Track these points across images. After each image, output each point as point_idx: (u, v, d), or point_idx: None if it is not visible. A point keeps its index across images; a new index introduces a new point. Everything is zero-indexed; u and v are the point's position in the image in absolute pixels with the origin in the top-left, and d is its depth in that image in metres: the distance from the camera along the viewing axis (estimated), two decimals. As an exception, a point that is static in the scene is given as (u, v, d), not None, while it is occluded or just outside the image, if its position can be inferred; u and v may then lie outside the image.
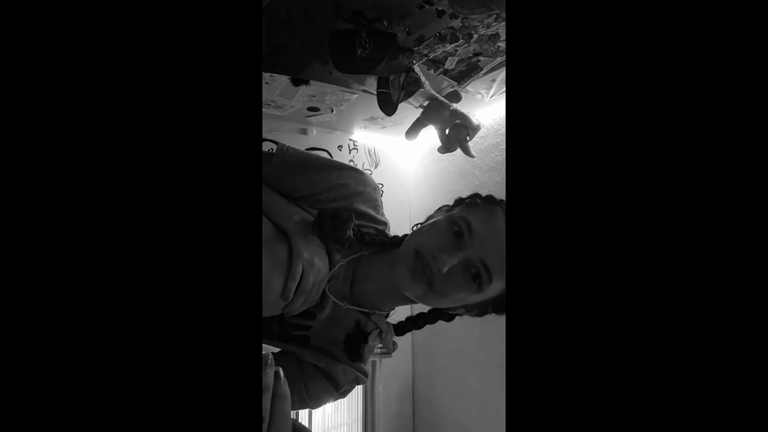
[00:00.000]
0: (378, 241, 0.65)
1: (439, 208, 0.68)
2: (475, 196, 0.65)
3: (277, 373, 0.36)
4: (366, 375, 0.67)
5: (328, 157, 0.71)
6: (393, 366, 2.40)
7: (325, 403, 0.67)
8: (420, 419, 2.45)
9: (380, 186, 2.49)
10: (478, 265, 0.56)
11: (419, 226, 0.65)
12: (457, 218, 0.59)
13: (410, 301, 0.64)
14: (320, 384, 0.65)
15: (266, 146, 0.67)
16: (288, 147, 0.68)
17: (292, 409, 0.59)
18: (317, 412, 2.28)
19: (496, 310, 0.63)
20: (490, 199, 0.63)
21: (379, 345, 0.64)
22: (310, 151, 0.70)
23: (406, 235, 0.65)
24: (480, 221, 0.58)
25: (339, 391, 0.66)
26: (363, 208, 0.68)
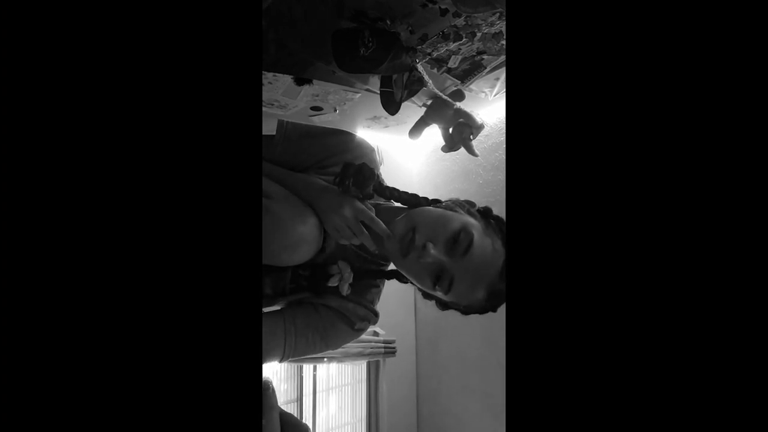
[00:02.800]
0: (396, 196, 0.70)
1: (464, 203, 0.70)
2: (499, 221, 0.67)
3: (265, 384, 0.37)
4: (376, 315, 0.72)
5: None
6: (397, 366, 2.40)
7: (343, 343, 0.72)
8: (424, 419, 2.45)
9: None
10: (446, 278, 0.61)
11: (439, 204, 0.69)
12: (468, 232, 0.61)
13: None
14: (336, 323, 0.70)
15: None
16: (287, 122, 0.73)
17: (317, 353, 0.69)
18: (321, 412, 2.29)
19: (462, 312, 0.67)
20: (486, 215, 0.67)
21: (336, 285, 0.69)
22: (306, 124, 0.74)
23: (425, 198, 0.70)
24: (479, 252, 0.61)
25: (354, 328, 0.71)
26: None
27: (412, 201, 0.70)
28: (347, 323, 0.70)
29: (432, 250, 0.59)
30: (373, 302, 0.74)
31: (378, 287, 0.75)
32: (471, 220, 0.64)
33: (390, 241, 0.63)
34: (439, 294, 0.64)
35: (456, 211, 0.66)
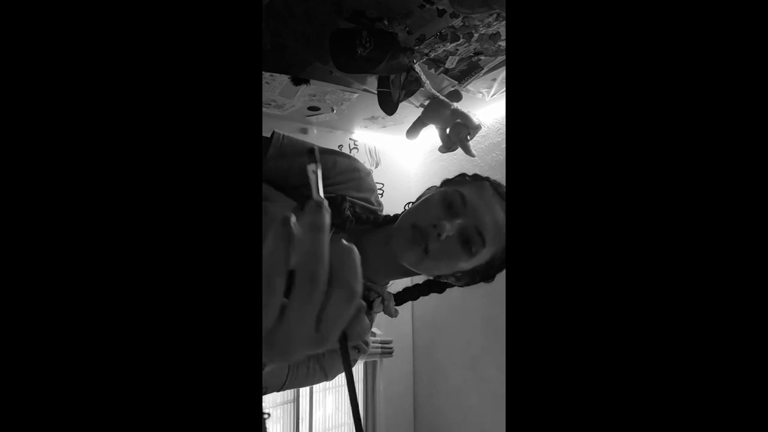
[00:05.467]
0: (373, 219, 0.69)
1: (428, 188, 0.72)
2: (462, 175, 0.70)
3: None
4: (367, 345, 0.72)
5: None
6: (394, 365, 2.40)
7: (338, 374, 0.72)
8: (420, 418, 2.45)
9: (381, 185, 2.50)
10: (472, 232, 0.60)
11: (411, 204, 0.69)
12: (451, 192, 0.63)
13: (404, 274, 0.68)
14: (333, 354, 0.70)
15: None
16: (284, 136, 0.70)
17: (315, 383, 0.68)
18: (318, 412, 2.29)
19: (484, 278, 0.67)
20: (477, 177, 0.69)
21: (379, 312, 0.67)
22: (304, 140, 0.72)
23: (398, 214, 0.69)
24: (472, 193, 0.63)
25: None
26: (359, 194, 0.71)
27: (390, 219, 0.70)
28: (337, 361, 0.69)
29: (444, 222, 0.59)
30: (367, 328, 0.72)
31: (370, 317, 0.72)
32: (444, 188, 0.66)
33: (409, 250, 0.61)
34: (478, 257, 0.62)
35: (427, 195, 0.68)
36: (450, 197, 0.62)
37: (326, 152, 0.71)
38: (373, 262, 0.66)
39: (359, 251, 0.63)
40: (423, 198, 0.67)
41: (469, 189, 0.63)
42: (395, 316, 0.67)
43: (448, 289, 0.73)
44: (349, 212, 0.65)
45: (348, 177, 0.70)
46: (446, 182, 0.71)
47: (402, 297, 0.73)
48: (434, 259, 0.62)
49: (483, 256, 0.62)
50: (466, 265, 0.63)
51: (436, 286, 0.72)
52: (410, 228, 0.62)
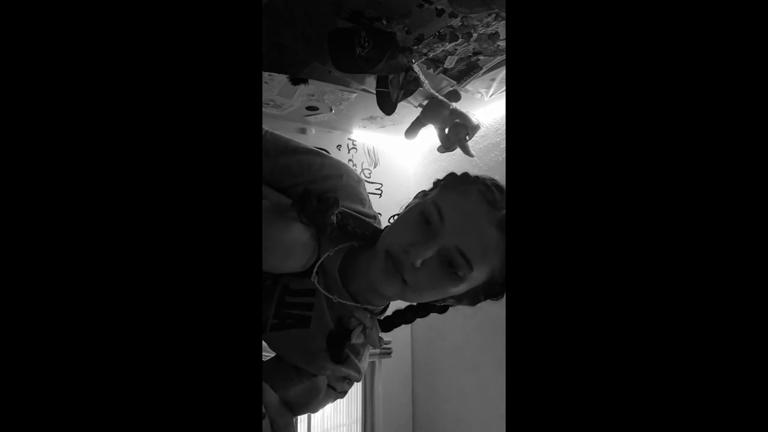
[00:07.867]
0: (360, 234, 0.61)
1: (416, 195, 0.64)
2: (450, 175, 0.62)
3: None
4: (359, 372, 0.63)
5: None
6: (392, 366, 2.40)
7: (326, 405, 0.65)
8: (419, 420, 2.45)
9: (379, 185, 2.50)
10: (454, 255, 0.52)
11: (395, 218, 0.62)
12: (428, 206, 0.54)
13: (398, 298, 0.60)
14: (324, 396, 0.62)
15: None
16: (267, 132, 0.64)
17: (297, 414, 0.59)
18: (316, 413, 2.29)
19: (489, 296, 0.58)
20: (465, 179, 0.59)
21: (361, 342, 0.60)
22: (289, 138, 0.66)
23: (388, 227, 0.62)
24: (452, 205, 0.54)
25: (337, 391, 0.63)
26: (348, 203, 0.65)
27: (377, 236, 0.61)
28: (328, 391, 0.62)
29: (416, 248, 0.52)
30: (360, 355, 0.63)
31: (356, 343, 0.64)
32: (426, 199, 0.58)
33: (385, 283, 0.54)
34: (470, 280, 0.53)
35: (411, 205, 0.60)
36: (427, 212, 0.53)
37: (314, 153, 0.65)
38: (360, 283, 0.60)
39: (348, 267, 0.60)
40: (403, 212, 0.59)
41: (449, 199, 0.55)
42: (378, 346, 0.61)
43: None
44: (335, 218, 0.58)
45: (336, 183, 0.64)
46: (435, 185, 0.63)
47: (392, 321, 0.67)
48: (416, 291, 0.55)
49: (477, 278, 0.53)
50: (457, 290, 0.55)
51: (434, 307, 0.64)
52: (384, 256, 0.54)
